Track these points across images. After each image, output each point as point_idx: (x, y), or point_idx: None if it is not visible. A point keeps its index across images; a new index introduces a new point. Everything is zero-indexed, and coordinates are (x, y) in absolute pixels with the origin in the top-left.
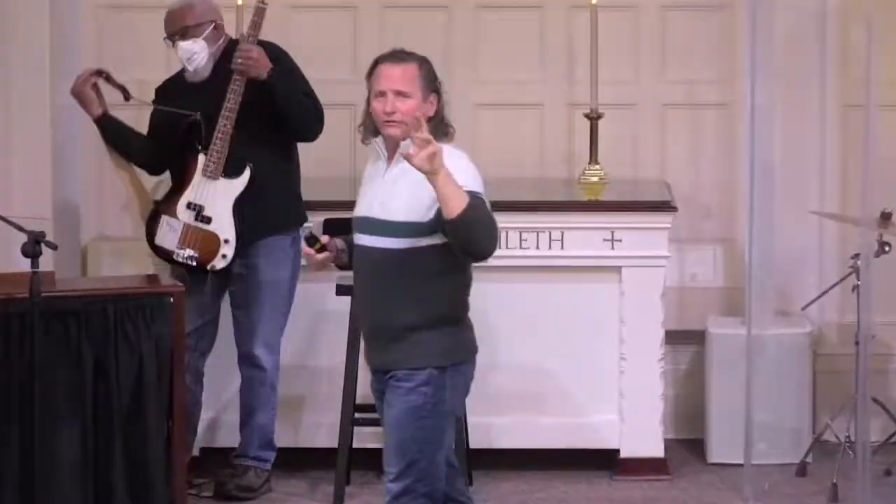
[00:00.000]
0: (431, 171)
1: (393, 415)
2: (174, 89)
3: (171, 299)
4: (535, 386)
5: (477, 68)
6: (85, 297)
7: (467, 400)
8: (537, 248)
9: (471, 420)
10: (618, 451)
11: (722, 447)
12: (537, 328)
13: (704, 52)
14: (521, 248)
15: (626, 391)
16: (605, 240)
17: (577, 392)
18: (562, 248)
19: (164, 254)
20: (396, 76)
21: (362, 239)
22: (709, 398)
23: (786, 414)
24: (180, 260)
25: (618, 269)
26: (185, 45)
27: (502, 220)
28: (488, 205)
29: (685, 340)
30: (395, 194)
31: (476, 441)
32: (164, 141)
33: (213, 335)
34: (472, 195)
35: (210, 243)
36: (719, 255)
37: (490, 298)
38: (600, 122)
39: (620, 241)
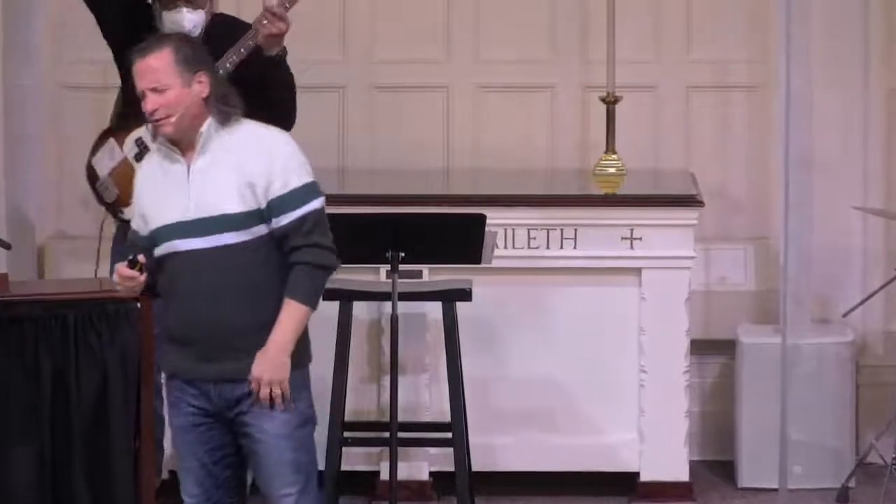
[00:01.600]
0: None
1: (269, 431)
2: None
3: (139, 304)
4: (545, 401)
5: (479, 46)
6: (42, 303)
7: (469, 417)
8: (548, 247)
9: (473, 439)
10: (637, 474)
11: (754, 470)
12: (547, 337)
13: (734, 28)
14: (529, 247)
15: (646, 407)
16: (623, 238)
17: (591, 408)
18: (575, 247)
19: (90, 176)
20: (146, 71)
21: (180, 245)
22: (739, 415)
23: (825, 433)
24: (100, 190)
25: (637, 270)
26: (191, 17)
27: (508, 217)
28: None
29: (713, 351)
30: (212, 187)
31: (478, 463)
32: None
33: None
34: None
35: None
36: (751, 255)
37: (495, 303)
38: (618, 107)
39: (640, 239)
